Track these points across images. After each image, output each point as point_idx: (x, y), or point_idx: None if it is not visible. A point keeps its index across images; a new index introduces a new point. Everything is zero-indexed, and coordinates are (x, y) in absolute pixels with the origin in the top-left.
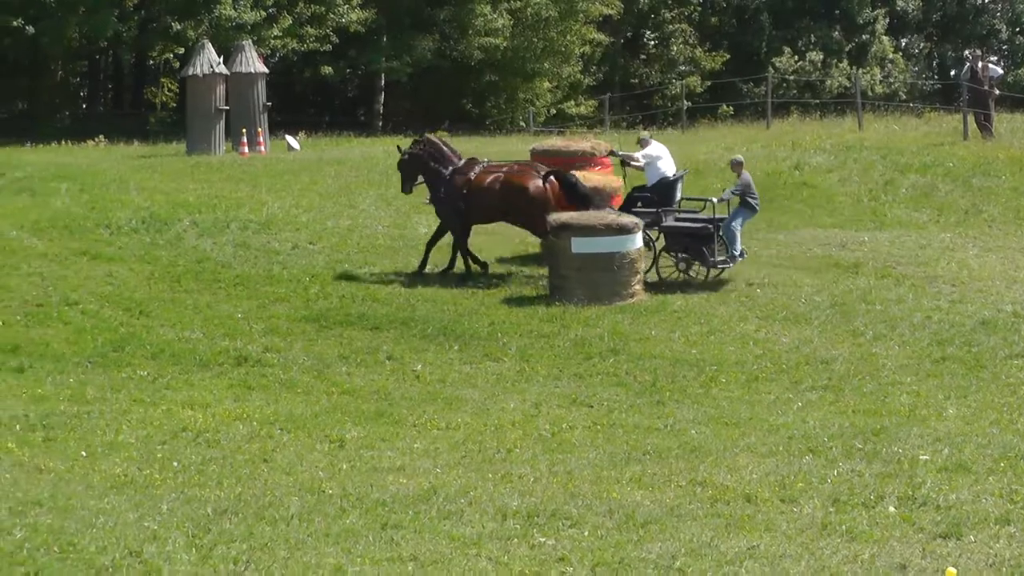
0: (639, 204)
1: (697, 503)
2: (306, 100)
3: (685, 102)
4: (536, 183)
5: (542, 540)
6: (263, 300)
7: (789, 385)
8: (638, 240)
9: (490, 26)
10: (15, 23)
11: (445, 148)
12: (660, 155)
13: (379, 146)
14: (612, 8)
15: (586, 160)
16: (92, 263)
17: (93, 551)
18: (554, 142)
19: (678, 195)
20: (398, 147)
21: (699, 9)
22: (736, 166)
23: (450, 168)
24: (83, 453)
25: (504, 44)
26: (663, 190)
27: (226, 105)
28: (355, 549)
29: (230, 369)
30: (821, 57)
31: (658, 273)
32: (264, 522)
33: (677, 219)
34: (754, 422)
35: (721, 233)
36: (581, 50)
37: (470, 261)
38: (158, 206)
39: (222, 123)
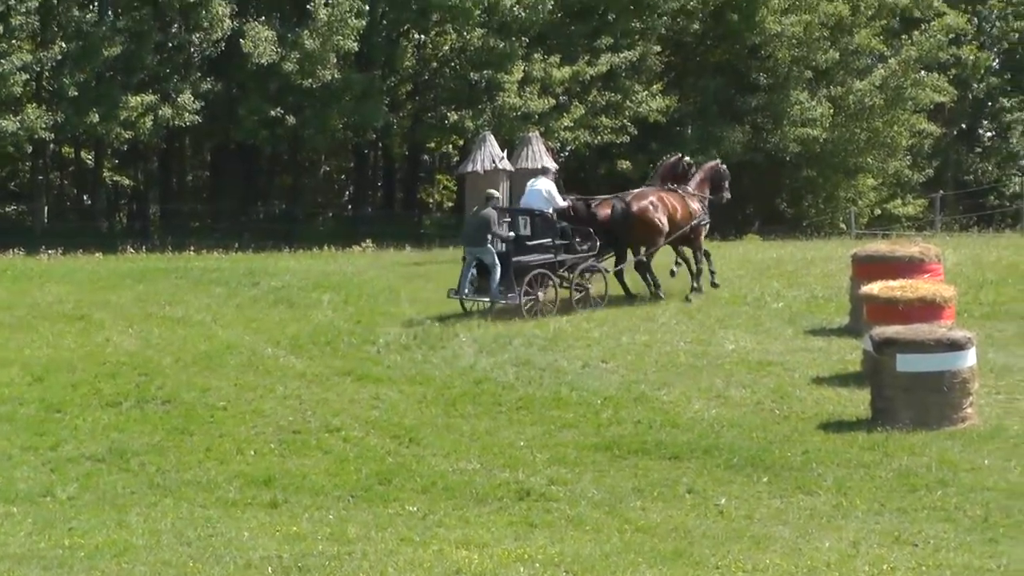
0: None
1: None
2: None
3: None
4: None
5: None
6: (548, 426)
7: None
8: (971, 357)
9: (808, 115)
10: (273, 112)
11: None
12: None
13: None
14: (945, 96)
15: (914, 267)
16: (356, 384)
17: None
18: (878, 247)
19: None
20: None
21: None
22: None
23: None
24: None
25: (823, 136)
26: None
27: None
28: None
29: (510, 504)
30: None
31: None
32: None
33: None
34: None
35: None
36: (909, 142)
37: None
38: (432, 320)
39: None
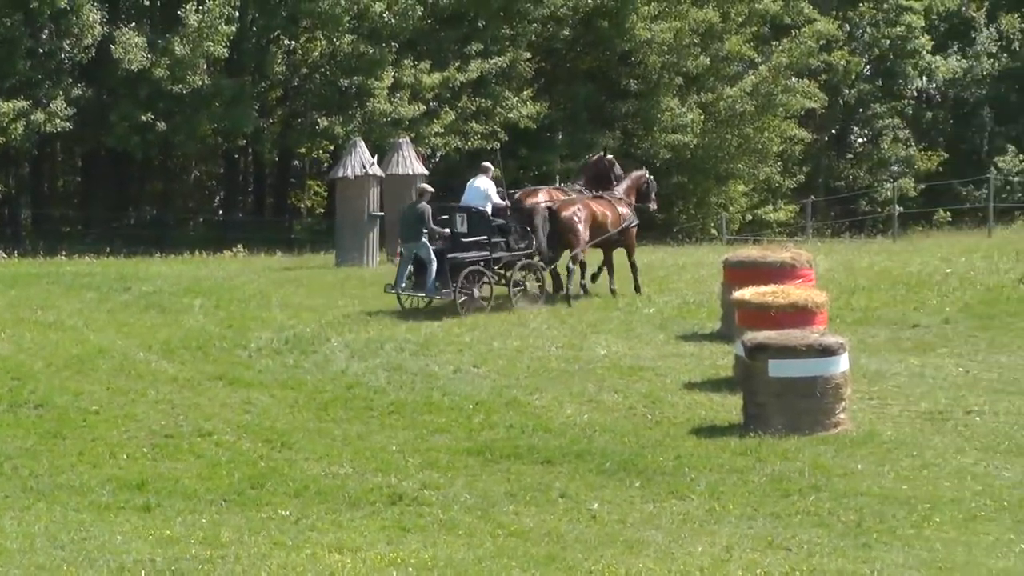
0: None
1: None
2: None
3: (897, 207)
4: None
5: None
6: (420, 431)
7: (1011, 525)
8: (844, 362)
9: (678, 122)
10: (144, 118)
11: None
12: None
13: None
14: (816, 101)
15: (786, 273)
16: (228, 389)
17: None
18: (750, 252)
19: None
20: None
21: (912, 103)
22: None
23: None
24: None
25: (694, 142)
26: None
27: (380, 211)
28: None
29: (383, 508)
30: None
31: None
32: None
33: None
34: (971, 567)
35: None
36: (780, 148)
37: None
38: (303, 325)
39: (376, 230)
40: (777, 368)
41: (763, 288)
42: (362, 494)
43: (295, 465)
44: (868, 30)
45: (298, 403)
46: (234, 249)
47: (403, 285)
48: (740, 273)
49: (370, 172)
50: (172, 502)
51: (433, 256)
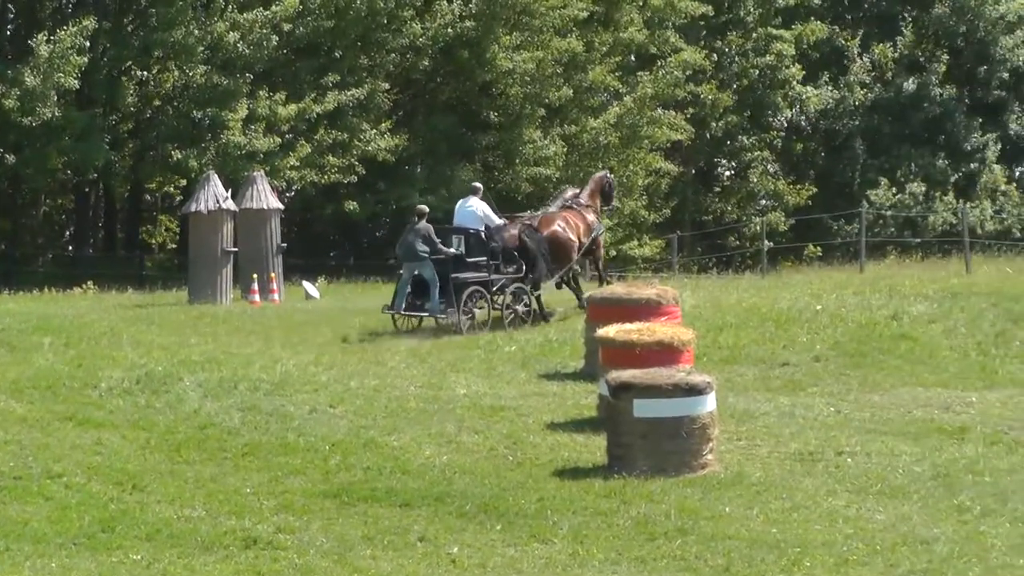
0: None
1: None
2: (327, 240)
3: (766, 242)
4: None
5: None
6: (275, 473)
7: (884, 569)
8: (710, 402)
9: (540, 154)
10: None
11: None
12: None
13: None
14: (682, 134)
15: (651, 310)
16: (79, 429)
17: None
18: (614, 289)
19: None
20: None
21: (782, 135)
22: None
23: None
24: None
25: (557, 175)
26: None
27: (234, 246)
28: None
29: (237, 552)
30: (923, 189)
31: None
32: None
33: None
34: None
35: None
36: (645, 182)
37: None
38: (155, 364)
39: (230, 267)
40: (642, 408)
41: (628, 326)
42: (215, 538)
43: (147, 508)
44: (736, 59)
45: (150, 444)
46: (84, 286)
47: (402, 307)
48: (604, 310)
49: (224, 206)
50: (20, 546)
51: (436, 275)
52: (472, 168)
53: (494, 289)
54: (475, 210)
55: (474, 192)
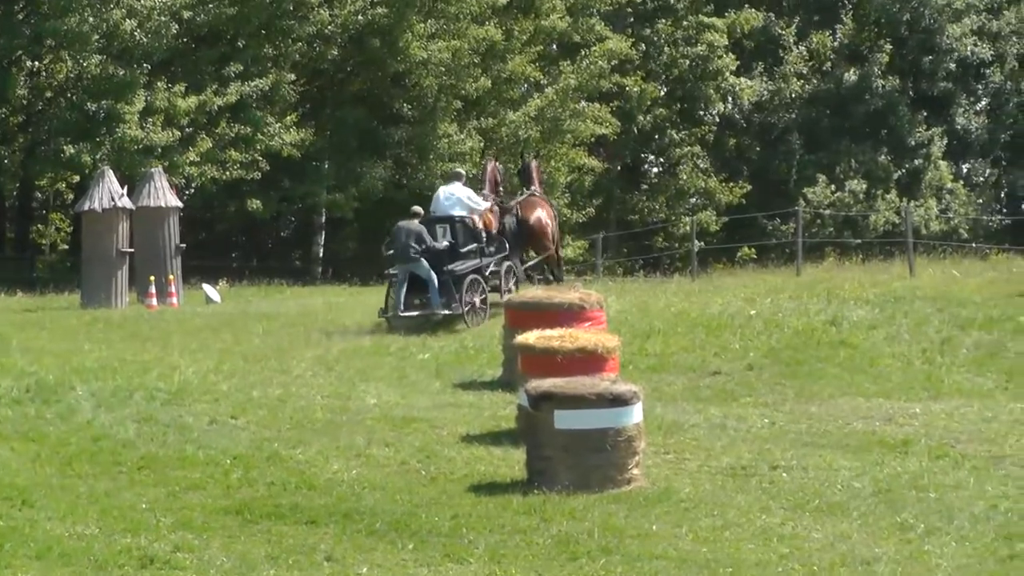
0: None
1: None
2: (229, 241)
3: (697, 243)
4: None
5: None
6: (173, 487)
7: None
8: (637, 413)
9: (456, 149)
10: None
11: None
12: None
13: (318, 297)
14: (607, 128)
15: (574, 315)
16: None
17: None
18: (534, 293)
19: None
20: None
21: (714, 129)
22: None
23: None
24: None
25: (473, 171)
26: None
27: (130, 247)
28: None
29: (132, 572)
30: (864, 187)
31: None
32: None
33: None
34: None
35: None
36: (568, 179)
37: None
38: (46, 371)
39: (125, 269)
40: (564, 419)
41: (549, 332)
42: (110, 556)
43: (37, 525)
44: (666, 49)
45: (40, 457)
46: None
47: (401, 309)
48: (523, 315)
49: (119, 205)
50: None
51: (432, 272)
52: (383, 164)
53: (487, 274)
54: (459, 196)
55: (457, 177)
